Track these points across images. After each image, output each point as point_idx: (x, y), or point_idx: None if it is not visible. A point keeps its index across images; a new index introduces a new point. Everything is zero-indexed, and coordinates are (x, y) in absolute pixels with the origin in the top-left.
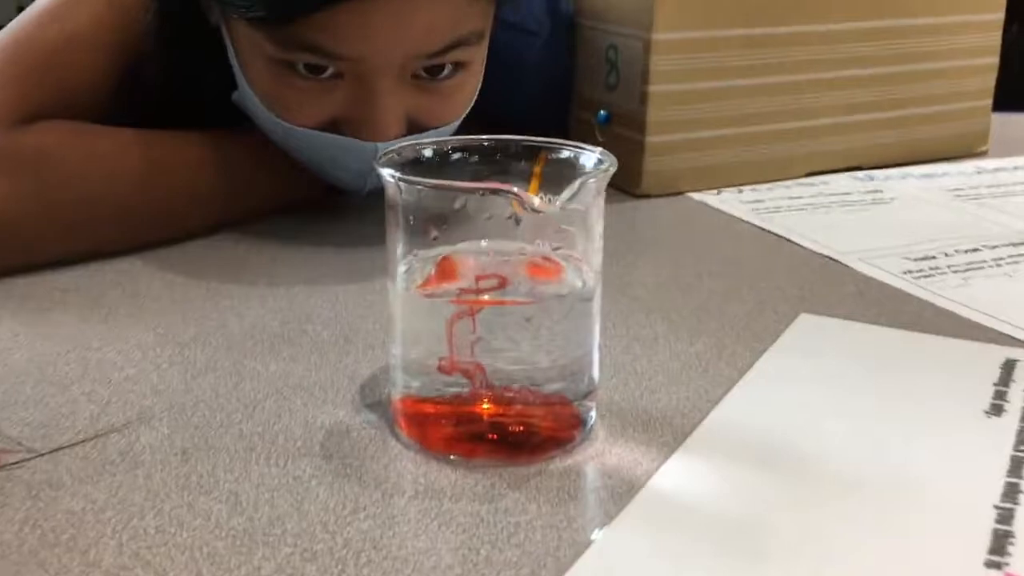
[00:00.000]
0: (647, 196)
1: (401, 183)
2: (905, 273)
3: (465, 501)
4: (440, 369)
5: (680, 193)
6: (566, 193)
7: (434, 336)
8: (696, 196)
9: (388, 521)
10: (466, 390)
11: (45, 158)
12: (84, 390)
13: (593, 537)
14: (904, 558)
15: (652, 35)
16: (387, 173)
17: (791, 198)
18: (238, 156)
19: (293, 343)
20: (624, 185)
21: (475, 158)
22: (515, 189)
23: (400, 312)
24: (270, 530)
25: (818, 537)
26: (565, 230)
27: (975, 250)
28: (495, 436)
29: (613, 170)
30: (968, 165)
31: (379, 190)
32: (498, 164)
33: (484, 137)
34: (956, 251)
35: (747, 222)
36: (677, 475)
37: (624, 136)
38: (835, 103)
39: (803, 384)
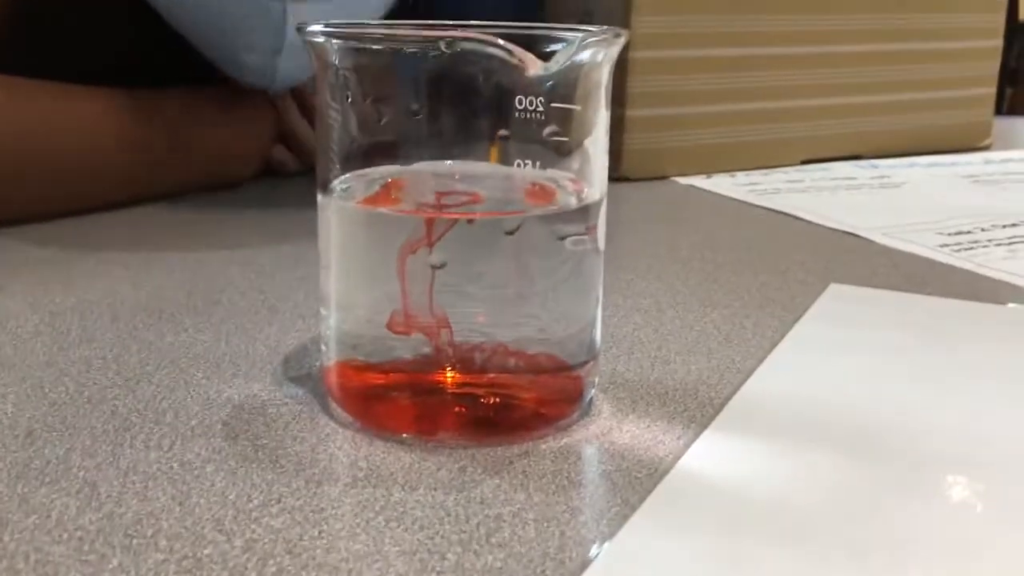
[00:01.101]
0: (627, 179)
1: (333, 41)
2: (942, 247)
3: (424, 489)
4: (391, 327)
5: (664, 177)
6: (562, 54)
7: (381, 275)
8: (682, 180)
9: (312, 516)
10: (424, 352)
11: None
12: None
13: (609, 533)
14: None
15: None
16: (316, 29)
17: (790, 181)
18: (154, 115)
19: (200, 313)
20: None
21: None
22: (499, 41)
23: (335, 240)
24: (136, 530)
25: (907, 526)
26: (556, 141)
27: (1015, 224)
28: (462, 409)
29: (622, 40)
30: (975, 156)
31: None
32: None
33: (449, 23)
34: (994, 226)
35: (747, 202)
36: (712, 454)
37: None
38: (831, 81)
39: (849, 354)
